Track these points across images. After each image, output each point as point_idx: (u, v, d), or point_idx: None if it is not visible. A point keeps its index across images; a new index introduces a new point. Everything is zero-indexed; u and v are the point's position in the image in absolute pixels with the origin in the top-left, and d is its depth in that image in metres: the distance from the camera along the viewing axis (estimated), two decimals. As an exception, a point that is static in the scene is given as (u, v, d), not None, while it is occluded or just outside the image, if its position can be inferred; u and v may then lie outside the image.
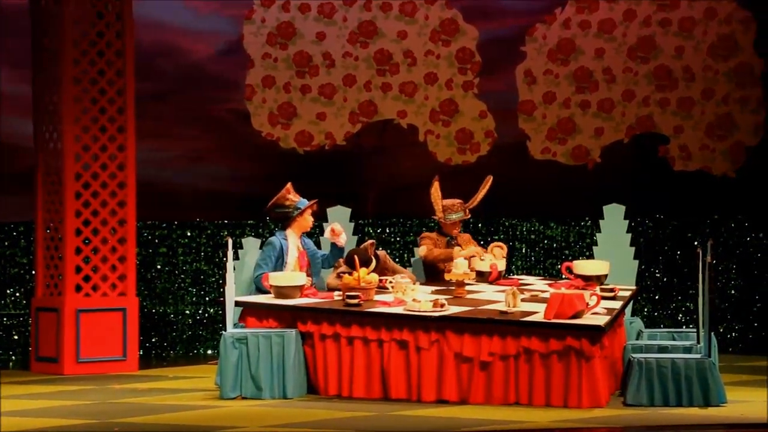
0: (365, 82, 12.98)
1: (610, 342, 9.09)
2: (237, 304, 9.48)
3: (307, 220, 10.17)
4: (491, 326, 8.80)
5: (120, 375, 10.73)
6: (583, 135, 13.12)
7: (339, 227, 10.18)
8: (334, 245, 10.18)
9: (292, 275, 9.61)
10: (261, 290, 9.88)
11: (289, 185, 10.18)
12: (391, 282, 9.64)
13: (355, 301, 9.16)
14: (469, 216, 10.59)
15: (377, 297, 9.45)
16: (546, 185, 13.08)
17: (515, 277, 11.08)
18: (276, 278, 9.53)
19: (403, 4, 13.01)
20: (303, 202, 10.12)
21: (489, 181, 10.59)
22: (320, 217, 10.64)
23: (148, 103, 12.38)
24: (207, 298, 12.61)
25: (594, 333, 8.60)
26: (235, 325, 9.46)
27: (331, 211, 10.79)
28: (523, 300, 9.13)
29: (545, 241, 12.98)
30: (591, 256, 11.29)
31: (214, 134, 12.86)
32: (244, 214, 12.71)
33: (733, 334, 12.86)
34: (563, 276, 10.50)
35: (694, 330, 9.63)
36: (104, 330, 10.90)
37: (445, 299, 9.20)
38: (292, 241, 10.10)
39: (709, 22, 13.08)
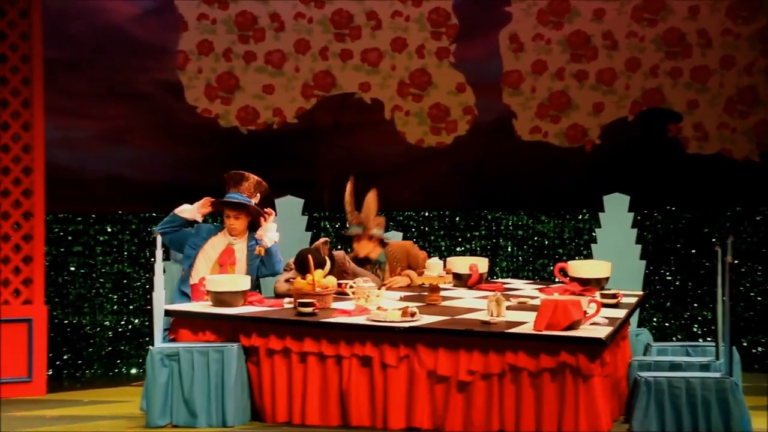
0: (321, 48, 12.97)
1: (612, 358, 9.13)
2: (167, 313, 9.48)
3: (228, 224, 10.19)
4: (471, 339, 8.80)
5: (24, 400, 10.71)
6: (579, 112, 13.16)
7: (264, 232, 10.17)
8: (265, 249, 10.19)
9: (234, 279, 9.64)
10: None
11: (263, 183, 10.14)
12: (351, 287, 9.65)
13: (309, 309, 9.16)
14: (374, 227, 10.48)
15: (335, 305, 9.50)
16: (536, 171, 13.13)
17: (500, 280, 11.17)
18: (214, 283, 9.50)
19: (366, -45, 13.01)
20: (232, 196, 10.12)
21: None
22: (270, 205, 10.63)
23: (59, 73, 12.34)
24: (131, 307, 12.63)
25: (593, 347, 8.61)
26: (165, 339, 9.46)
27: (279, 203, 10.71)
28: (508, 308, 9.17)
29: (535, 238, 13.03)
30: (589, 256, 11.42)
31: (139, 110, 12.84)
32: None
33: (759, 348, 12.92)
34: (556, 279, 10.53)
35: (713, 344, 9.71)
36: (5, 345, 10.88)
37: (417, 307, 9.20)
38: (224, 234, 10.13)
39: (729, -22, 13.15)
